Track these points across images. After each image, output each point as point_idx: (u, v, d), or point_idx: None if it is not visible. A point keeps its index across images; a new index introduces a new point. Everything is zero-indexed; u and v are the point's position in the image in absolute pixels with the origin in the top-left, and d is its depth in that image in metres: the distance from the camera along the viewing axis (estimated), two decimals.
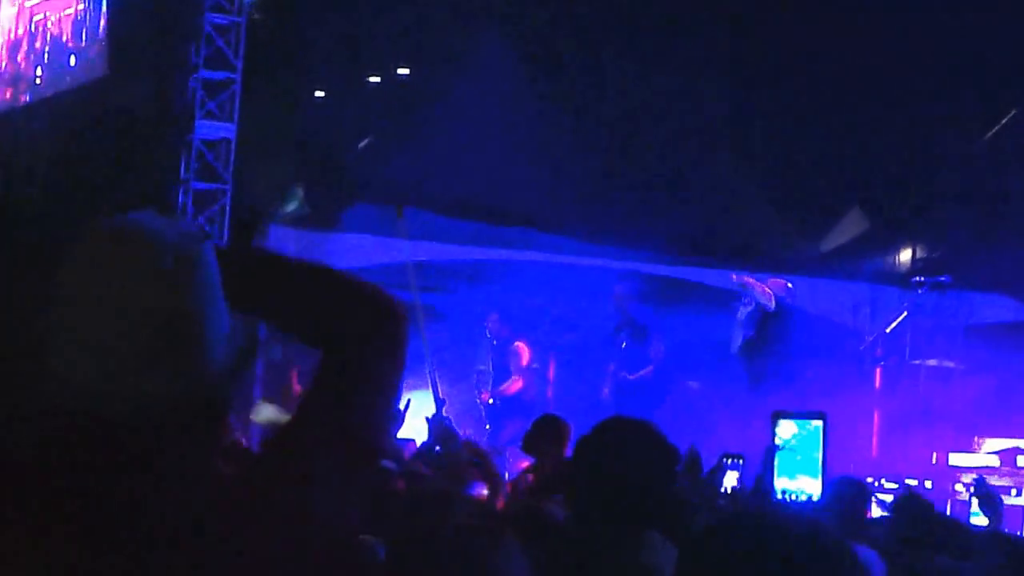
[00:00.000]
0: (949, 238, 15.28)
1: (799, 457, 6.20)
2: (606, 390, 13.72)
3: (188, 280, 2.14)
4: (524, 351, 14.27)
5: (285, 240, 15.27)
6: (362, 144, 16.04)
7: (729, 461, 6.76)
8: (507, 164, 14.46)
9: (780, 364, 12.82)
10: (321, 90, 16.14)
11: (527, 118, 14.78)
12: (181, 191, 14.89)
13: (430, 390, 9.68)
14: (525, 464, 8.45)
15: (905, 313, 14.03)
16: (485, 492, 6.36)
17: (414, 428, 9.53)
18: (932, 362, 13.99)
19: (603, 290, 14.32)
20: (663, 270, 15.84)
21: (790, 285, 13.52)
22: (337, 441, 2.23)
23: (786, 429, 6.38)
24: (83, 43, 16.90)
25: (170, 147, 15.07)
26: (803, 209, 15.84)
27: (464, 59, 14.81)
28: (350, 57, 15.74)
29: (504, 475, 7.70)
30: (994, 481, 12.03)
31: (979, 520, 10.50)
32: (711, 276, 15.50)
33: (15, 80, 18.48)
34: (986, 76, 14.09)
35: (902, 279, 15.29)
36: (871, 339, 14.18)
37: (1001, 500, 6.67)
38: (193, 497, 2.12)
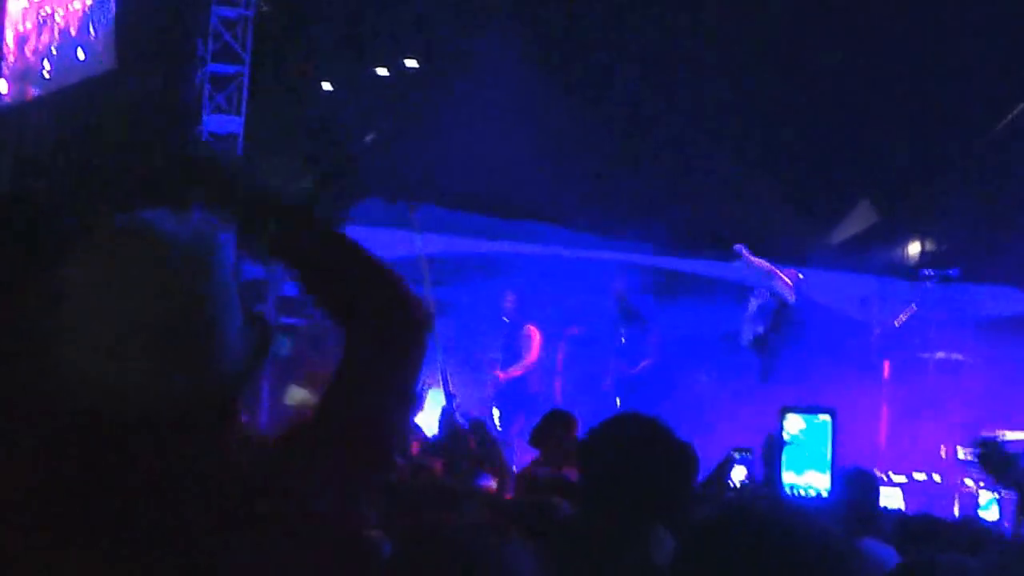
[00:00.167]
0: (958, 231, 15.25)
1: (806, 452, 6.18)
2: (607, 383, 13.71)
3: (200, 280, 2.14)
4: (535, 334, 14.25)
5: None
6: (370, 137, 16.03)
7: (738, 455, 6.76)
8: (515, 158, 14.44)
9: (788, 354, 12.81)
10: (329, 83, 16.13)
11: (535, 111, 14.76)
12: None
13: (441, 385, 9.69)
14: (533, 457, 8.44)
15: (914, 306, 14.01)
16: (493, 485, 6.35)
17: (424, 422, 9.55)
18: (940, 355, 13.98)
19: (606, 283, 14.31)
20: (671, 263, 15.84)
21: (801, 276, 13.51)
22: (353, 440, 2.22)
23: (793, 424, 6.36)
24: (91, 37, 16.90)
25: (178, 141, 15.08)
26: (812, 201, 15.81)
27: (472, 52, 14.79)
28: (358, 50, 15.73)
29: (512, 468, 7.68)
30: None
31: (988, 514, 10.51)
32: (720, 269, 15.48)
33: (23, 73, 18.48)
34: (995, 70, 14.06)
35: (911, 272, 15.27)
36: (879, 332, 14.16)
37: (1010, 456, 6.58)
38: (203, 495, 2.12)
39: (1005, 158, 14.60)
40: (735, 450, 6.87)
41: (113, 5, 16.20)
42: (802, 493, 6.20)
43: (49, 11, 17.81)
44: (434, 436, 8.73)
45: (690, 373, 14.04)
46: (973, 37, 13.69)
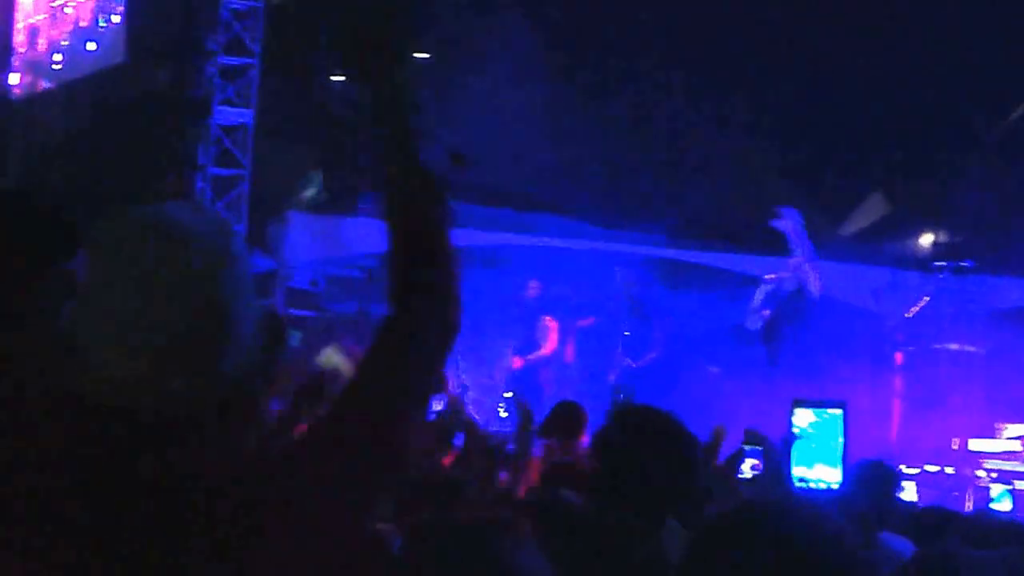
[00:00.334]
0: (971, 222, 15.21)
1: (814, 445, 6.16)
2: (612, 376, 13.71)
3: (218, 274, 2.13)
4: (553, 326, 14.25)
5: (303, 225, 15.29)
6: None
7: (748, 447, 6.72)
8: (526, 149, 14.43)
9: (799, 345, 12.79)
10: (339, 75, 16.11)
11: (546, 103, 14.75)
12: (200, 177, 14.90)
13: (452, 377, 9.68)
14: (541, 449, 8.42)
15: (927, 298, 13.97)
16: (505, 478, 6.34)
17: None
18: (954, 347, 13.94)
19: (618, 274, 14.29)
20: (683, 255, 15.81)
21: (809, 265, 13.48)
22: (369, 439, 2.21)
23: (803, 417, 6.34)
24: (102, 29, 16.92)
25: (188, 133, 15.09)
26: (824, 193, 15.78)
27: (483, 45, 14.78)
28: None
29: (526, 461, 7.66)
30: (1015, 467, 12.00)
31: (1000, 506, 10.48)
32: (731, 261, 15.46)
33: (34, 65, 18.52)
34: (1010, 60, 14.02)
35: (924, 263, 15.23)
36: (892, 324, 14.13)
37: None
38: (218, 490, 2.11)
39: (1018, 149, 14.56)
40: (745, 441, 6.84)
41: None
42: (811, 487, 6.17)
43: (60, 3, 17.84)
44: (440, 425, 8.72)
45: (698, 365, 14.03)
46: (987, 26, 13.65)
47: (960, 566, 3.39)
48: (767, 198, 14.17)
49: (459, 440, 6.88)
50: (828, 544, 2.15)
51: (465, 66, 14.97)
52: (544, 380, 14.14)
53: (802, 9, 14.42)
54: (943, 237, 15.81)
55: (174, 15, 15.56)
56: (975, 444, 12.39)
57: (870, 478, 6.56)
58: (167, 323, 2.07)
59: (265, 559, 2.08)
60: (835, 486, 6.02)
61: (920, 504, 8.93)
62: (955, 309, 14.20)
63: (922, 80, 14.39)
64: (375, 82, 2.47)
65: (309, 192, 15.88)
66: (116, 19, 16.54)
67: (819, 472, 6.03)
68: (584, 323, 14.44)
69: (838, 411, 6.18)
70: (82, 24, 17.43)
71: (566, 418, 7.92)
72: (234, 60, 14.83)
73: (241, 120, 14.86)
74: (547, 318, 14.24)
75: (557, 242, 15.63)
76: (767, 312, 13.26)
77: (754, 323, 13.35)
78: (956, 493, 11.66)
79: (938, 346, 13.98)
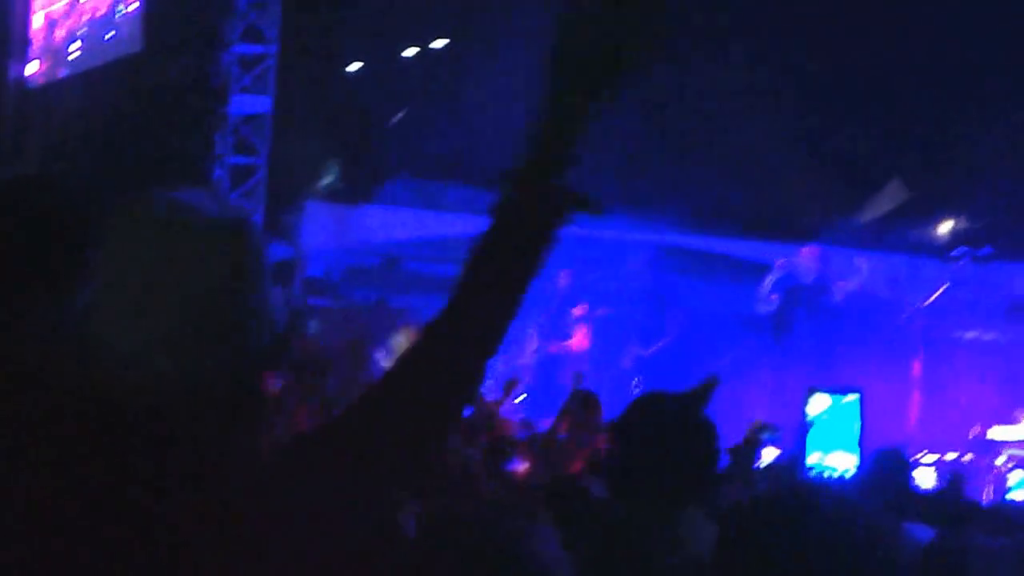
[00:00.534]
0: (990, 209, 15.16)
1: (833, 432, 6.15)
2: (627, 363, 13.70)
3: (232, 259, 2.13)
4: (583, 310, 14.24)
5: (321, 213, 15.30)
6: (397, 117, 16.01)
7: (765, 435, 6.71)
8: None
9: (815, 334, 12.78)
10: (357, 63, 16.12)
11: None
12: (217, 166, 14.91)
13: None
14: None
15: (945, 285, 13.93)
16: (524, 468, 6.35)
17: None
18: (972, 335, 13.91)
19: (633, 262, 14.29)
20: (698, 242, 15.78)
21: (820, 253, 13.46)
22: (389, 447, 2.20)
23: (819, 403, 6.33)
24: (119, 18, 16.94)
25: (205, 122, 15.10)
26: (841, 179, 15.72)
27: (499, 31, 14.75)
28: (385, 30, 15.71)
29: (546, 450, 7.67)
30: None
31: (1018, 494, 10.46)
32: (747, 248, 15.43)
33: (51, 55, 18.57)
34: None
35: (942, 251, 15.18)
36: (910, 312, 14.09)
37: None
38: (234, 474, 2.11)
39: None
40: (762, 429, 6.83)
41: None
42: (827, 473, 6.16)
43: None
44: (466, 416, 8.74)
45: (714, 353, 14.00)
46: (1006, 15, 13.59)
47: (974, 554, 3.39)
48: (784, 185, 14.14)
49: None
50: (859, 527, 2.15)
51: (480, 51, 14.95)
52: (568, 370, 14.12)
53: None
54: (962, 225, 15.75)
55: (191, 4, 15.57)
56: (994, 432, 12.36)
57: (879, 466, 6.56)
58: (181, 308, 2.08)
59: (280, 547, 2.08)
60: (851, 472, 6.01)
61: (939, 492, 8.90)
62: (974, 297, 14.16)
63: (941, 65, 14.33)
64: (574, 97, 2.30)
65: (327, 181, 15.89)
66: (133, 8, 16.56)
67: (835, 458, 6.02)
68: (600, 312, 14.43)
69: (854, 397, 6.17)
70: (99, 13, 17.47)
71: (581, 406, 7.92)
72: (251, 49, 14.82)
73: (258, 109, 14.86)
74: (577, 309, 14.21)
75: (577, 230, 15.57)
76: (775, 297, 13.24)
77: (764, 309, 13.33)
78: (975, 481, 11.65)
79: (957, 334, 13.95)
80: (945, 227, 16.01)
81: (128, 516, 2.04)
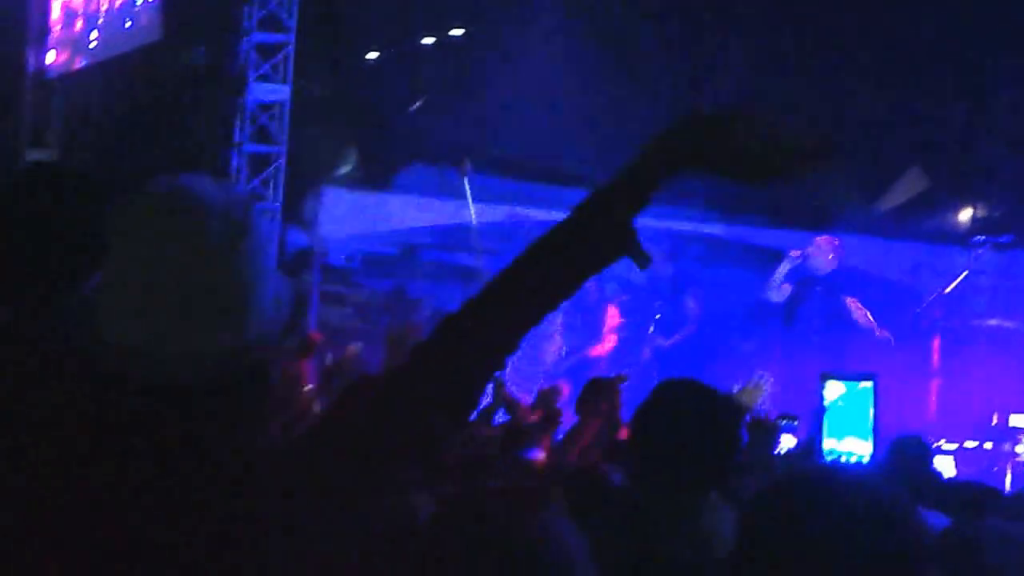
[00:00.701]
0: (1010, 197, 15.10)
1: (847, 418, 6.14)
2: (647, 352, 13.68)
3: (236, 245, 2.14)
4: (615, 313, 14.19)
5: (339, 201, 15.30)
6: (415, 106, 16.01)
7: (784, 422, 6.71)
8: (560, 125, 14.38)
9: (834, 321, 12.75)
10: (375, 52, 16.12)
11: (580, 79, 14.69)
12: (235, 154, 14.92)
13: None
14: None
15: (965, 273, 13.88)
16: (542, 456, 6.33)
17: None
18: (992, 322, 13.86)
19: (654, 251, 14.24)
20: (716, 230, 15.74)
21: (837, 242, 13.42)
22: (402, 435, 2.20)
23: (833, 390, 6.32)
24: (137, 7, 16.96)
25: (223, 111, 15.12)
26: (860, 167, 15.67)
27: (517, 19, 14.73)
28: (403, 18, 15.70)
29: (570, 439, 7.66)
30: None
31: None
32: (765, 236, 15.39)
33: (70, 44, 18.60)
34: None
35: (962, 238, 15.14)
36: (930, 300, 14.05)
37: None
38: (241, 458, 2.11)
39: None
40: (780, 417, 6.82)
41: None
42: (842, 459, 6.14)
43: None
44: (485, 404, 8.73)
45: (733, 341, 13.98)
46: None
47: (991, 540, 3.37)
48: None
49: (497, 418, 6.88)
50: (876, 513, 2.15)
51: (497, 40, 14.93)
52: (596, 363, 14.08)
53: None
54: (982, 212, 15.70)
55: None
56: (1015, 419, 12.31)
57: (899, 453, 6.54)
58: (185, 294, 2.08)
59: (289, 529, 2.07)
60: (866, 458, 5.99)
61: (958, 480, 8.88)
62: (994, 284, 14.11)
63: (960, 52, 14.28)
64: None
65: (345, 169, 15.89)
66: None
67: (849, 444, 6.00)
68: (619, 299, 14.40)
69: (868, 384, 6.14)
70: (118, 3, 17.50)
71: (599, 394, 7.90)
72: (269, 37, 14.82)
73: (277, 97, 14.87)
74: (611, 306, 14.16)
75: None
76: (788, 287, 13.21)
77: (775, 297, 13.30)
78: (995, 468, 11.62)
79: (977, 322, 13.90)
80: (965, 215, 15.96)
81: (137, 504, 2.04)
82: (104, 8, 17.81)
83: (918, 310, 14.03)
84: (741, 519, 2.33)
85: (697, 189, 14.98)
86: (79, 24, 18.42)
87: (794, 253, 13.34)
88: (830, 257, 13.07)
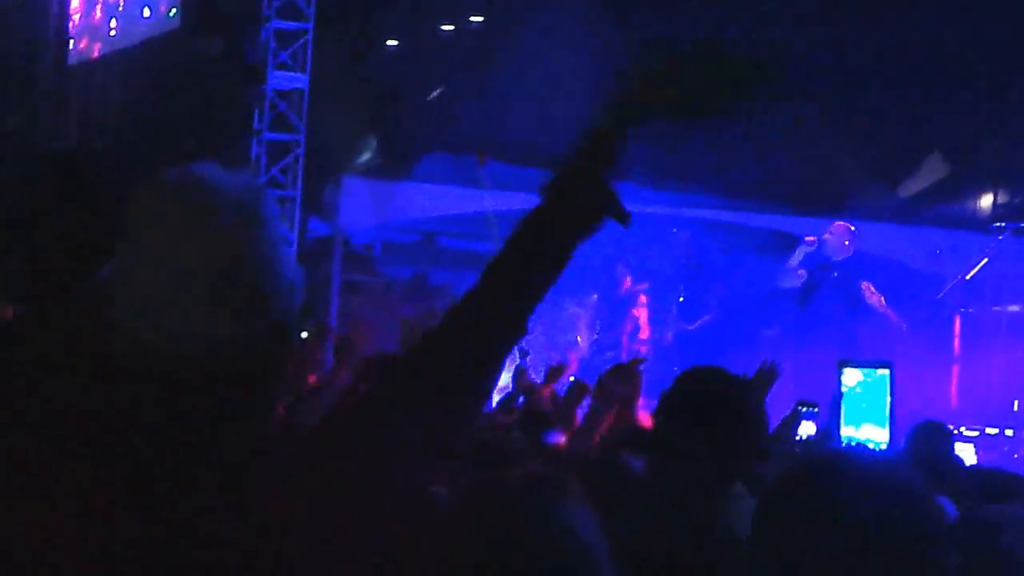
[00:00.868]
0: None
1: (864, 405, 6.14)
2: (669, 335, 13.67)
3: (248, 232, 2.14)
4: (644, 302, 14.19)
5: (358, 190, 15.31)
6: (434, 94, 16.00)
7: (804, 409, 6.70)
8: (579, 112, 14.34)
9: (855, 308, 12.73)
10: (394, 39, 16.11)
11: (600, 65, 14.66)
12: (255, 142, 14.94)
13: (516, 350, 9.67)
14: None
15: (986, 259, 13.84)
16: (563, 441, 6.33)
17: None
18: (1013, 308, 13.82)
19: (675, 238, 14.25)
20: (736, 217, 15.72)
21: (853, 228, 13.41)
22: (420, 422, 2.20)
23: (851, 377, 6.32)
24: None
25: (242, 99, 15.13)
26: (880, 153, 15.64)
27: (537, 7, 14.72)
28: (423, 6, 15.69)
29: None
30: None
31: None
32: (784, 223, 15.36)
33: (90, 32, 18.63)
34: None
35: (983, 225, 15.09)
36: (951, 286, 14.02)
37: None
38: (255, 444, 2.11)
39: None
40: (800, 404, 6.81)
41: None
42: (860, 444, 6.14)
43: None
44: (505, 391, 8.75)
45: (751, 327, 13.96)
46: None
47: (1009, 525, 3.37)
48: (824, 160, 14.06)
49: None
50: (897, 498, 2.15)
51: (516, 28, 14.91)
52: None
53: None
54: (1003, 198, 15.65)
55: None
56: None
57: (920, 438, 6.52)
58: (198, 282, 2.09)
59: (310, 513, 2.08)
60: (883, 445, 5.99)
61: (979, 466, 8.86)
62: (1015, 270, 14.06)
63: (981, 38, 14.22)
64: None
65: (364, 157, 15.90)
66: None
67: (866, 432, 6.00)
68: (639, 288, 14.39)
69: (885, 371, 6.13)
70: None
71: (619, 381, 7.86)
72: (288, 24, 14.83)
73: (296, 85, 14.87)
74: (643, 299, 14.13)
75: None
76: (803, 273, 13.20)
77: (790, 284, 13.28)
78: (1016, 455, 11.61)
79: (998, 308, 13.87)
80: (986, 201, 15.91)
81: (151, 493, 2.05)
82: None
83: (939, 296, 14.00)
84: (759, 505, 2.33)
85: (716, 177, 14.98)
86: (98, 12, 18.45)
87: (809, 239, 13.33)
88: (846, 243, 13.05)
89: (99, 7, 18.43)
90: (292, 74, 14.87)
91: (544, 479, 2.34)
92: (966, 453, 9.87)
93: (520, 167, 15.21)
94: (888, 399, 6.07)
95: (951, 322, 13.89)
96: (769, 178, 15.54)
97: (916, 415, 7.49)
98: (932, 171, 15.80)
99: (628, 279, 14.11)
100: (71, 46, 19.09)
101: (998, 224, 14.41)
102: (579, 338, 14.24)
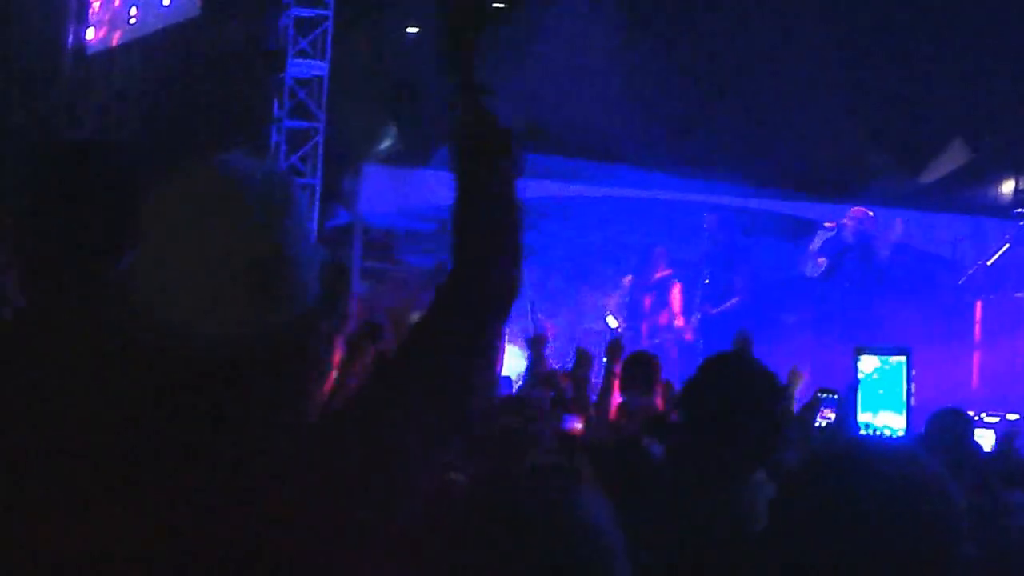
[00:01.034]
0: None
1: (881, 392, 6.11)
2: (695, 319, 13.65)
3: (275, 220, 2.14)
4: (679, 289, 14.15)
5: (378, 177, 15.30)
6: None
7: (825, 396, 6.68)
8: (600, 101, 14.35)
9: (876, 295, 12.71)
10: (413, 26, 16.10)
11: (620, 53, 14.65)
12: (274, 129, 14.95)
13: (531, 324, 9.68)
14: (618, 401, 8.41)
15: (1007, 245, 13.80)
16: (579, 426, 6.32)
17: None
18: None
19: (695, 225, 14.23)
20: (757, 203, 15.68)
21: (871, 213, 13.37)
22: (432, 394, 2.21)
23: (867, 364, 6.28)
24: None
25: (262, 86, 15.13)
26: (902, 140, 15.59)
27: None
28: None
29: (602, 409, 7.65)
30: None
31: None
32: (806, 209, 15.32)
33: (111, 19, 18.66)
34: None
35: (1005, 210, 15.05)
36: (972, 272, 13.98)
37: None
38: (284, 432, 2.11)
39: None
40: (820, 391, 6.80)
41: None
42: (876, 433, 6.11)
43: None
44: (523, 378, 8.74)
45: (775, 314, 13.93)
46: None
47: (1017, 510, 3.37)
48: (846, 146, 14.02)
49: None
50: (915, 485, 2.15)
51: (540, 12, 14.88)
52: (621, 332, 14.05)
53: None
54: None
55: None
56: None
57: (940, 426, 6.50)
58: (226, 270, 2.08)
59: (331, 502, 2.08)
60: (900, 433, 5.96)
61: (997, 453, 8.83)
62: None
63: (1003, 24, 14.16)
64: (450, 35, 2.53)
65: (384, 144, 15.89)
66: None
67: (884, 419, 5.96)
68: (661, 274, 14.35)
69: (902, 358, 6.10)
70: None
71: (640, 368, 7.87)
72: (308, 12, 14.83)
73: (315, 72, 14.88)
74: (677, 284, 14.09)
75: (632, 192, 15.53)
76: (824, 260, 13.18)
77: (812, 271, 13.26)
78: None
79: (1019, 294, 13.82)
80: (1008, 187, 15.86)
81: (177, 482, 2.05)
82: None
83: (960, 282, 13.97)
84: (778, 492, 2.33)
85: (744, 164, 14.95)
86: (118, 0, 18.47)
87: (828, 225, 13.31)
88: (866, 228, 13.03)
89: None
90: (312, 61, 14.87)
91: (556, 470, 2.34)
92: (987, 439, 9.85)
93: (543, 155, 15.20)
94: (905, 386, 6.04)
95: (972, 308, 13.85)
96: (790, 165, 15.49)
97: (937, 402, 7.46)
98: (954, 157, 15.75)
99: (663, 264, 14.09)
100: (90, 34, 19.12)
101: (1020, 210, 14.37)
102: (612, 319, 14.18)
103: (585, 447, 5.38)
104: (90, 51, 19.17)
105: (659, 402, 7.48)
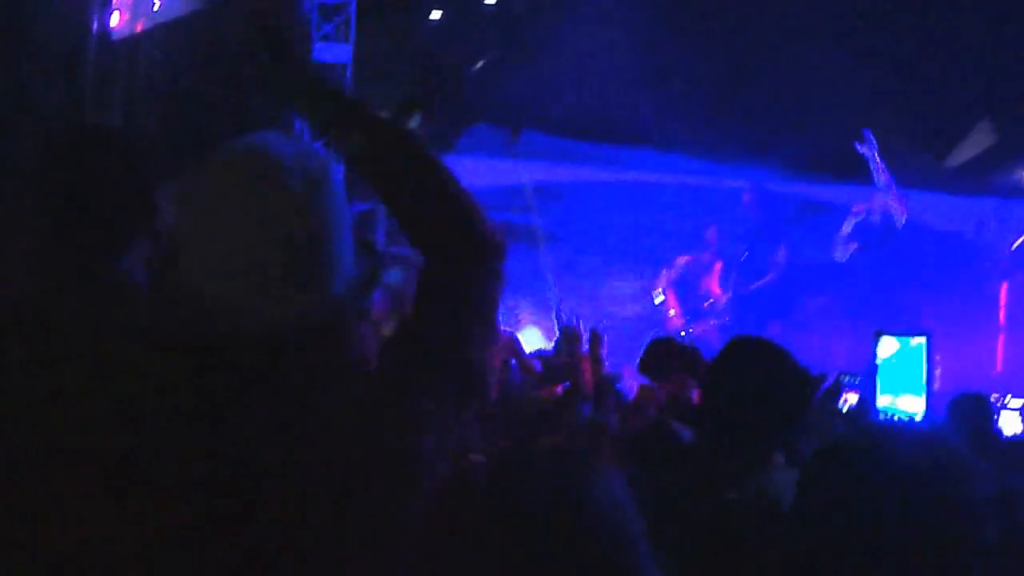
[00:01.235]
0: None
1: (901, 375, 6.10)
2: (725, 297, 13.62)
3: (314, 201, 2.15)
4: (719, 268, 14.15)
5: None
6: (478, 65, 15.97)
7: (847, 379, 6.68)
8: (624, 83, 14.31)
9: (900, 278, 12.68)
10: (438, 11, 16.08)
11: (644, 35, 14.60)
12: (297, 115, 14.93)
13: (552, 311, 9.70)
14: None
15: None
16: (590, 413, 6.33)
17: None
18: None
19: (720, 209, 14.22)
20: (782, 187, 15.65)
21: (897, 197, 13.34)
22: (441, 369, 2.22)
23: (887, 346, 6.27)
24: None
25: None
26: (928, 122, 15.52)
27: None
28: None
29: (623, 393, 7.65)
30: None
31: None
32: (831, 193, 15.28)
33: (134, 6, 18.67)
34: None
35: None
36: (997, 255, 13.94)
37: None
38: (318, 416, 2.12)
39: None
40: (842, 374, 6.79)
41: None
42: (896, 417, 6.10)
43: None
44: (554, 346, 8.74)
45: (804, 297, 13.91)
46: None
47: None
48: (872, 129, 13.96)
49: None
50: (940, 469, 2.15)
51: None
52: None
53: None
54: None
55: None
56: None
57: (961, 411, 6.49)
58: (263, 251, 2.08)
59: (362, 481, 2.09)
60: (919, 416, 5.95)
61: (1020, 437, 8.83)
62: None
63: None
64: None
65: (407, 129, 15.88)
66: None
67: (904, 401, 5.95)
68: (682, 260, 14.34)
69: (921, 340, 6.08)
70: None
71: (663, 352, 7.87)
72: None
73: (339, 58, 14.87)
74: (719, 264, 14.08)
75: (656, 177, 15.52)
76: (853, 244, 13.15)
77: (842, 256, 13.24)
78: None
79: None
80: None
81: (219, 457, 2.06)
82: None
83: (985, 265, 13.92)
84: (800, 475, 2.34)
85: (770, 150, 14.92)
86: None
87: (857, 208, 13.27)
88: (894, 211, 12.99)
89: None
90: (335, 46, 14.86)
91: (570, 453, 2.35)
92: (1012, 423, 9.83)
93: (566, 140, 15.20)
94: (925, 368, 6.02)
95: (997, 291, 13.81)
96: (818, 147, 15.44)
97: (961, 386, 7.45)
98: (980, 139, 15.68)
99: (713, 244, 14.10)
100: (115, 20, 19.13)
101: None
102: (658, 294, 14.15)
103: (611, 433, 5.40)
104: (114, 37, 19.17)
105: (670, 389, 7.47)
